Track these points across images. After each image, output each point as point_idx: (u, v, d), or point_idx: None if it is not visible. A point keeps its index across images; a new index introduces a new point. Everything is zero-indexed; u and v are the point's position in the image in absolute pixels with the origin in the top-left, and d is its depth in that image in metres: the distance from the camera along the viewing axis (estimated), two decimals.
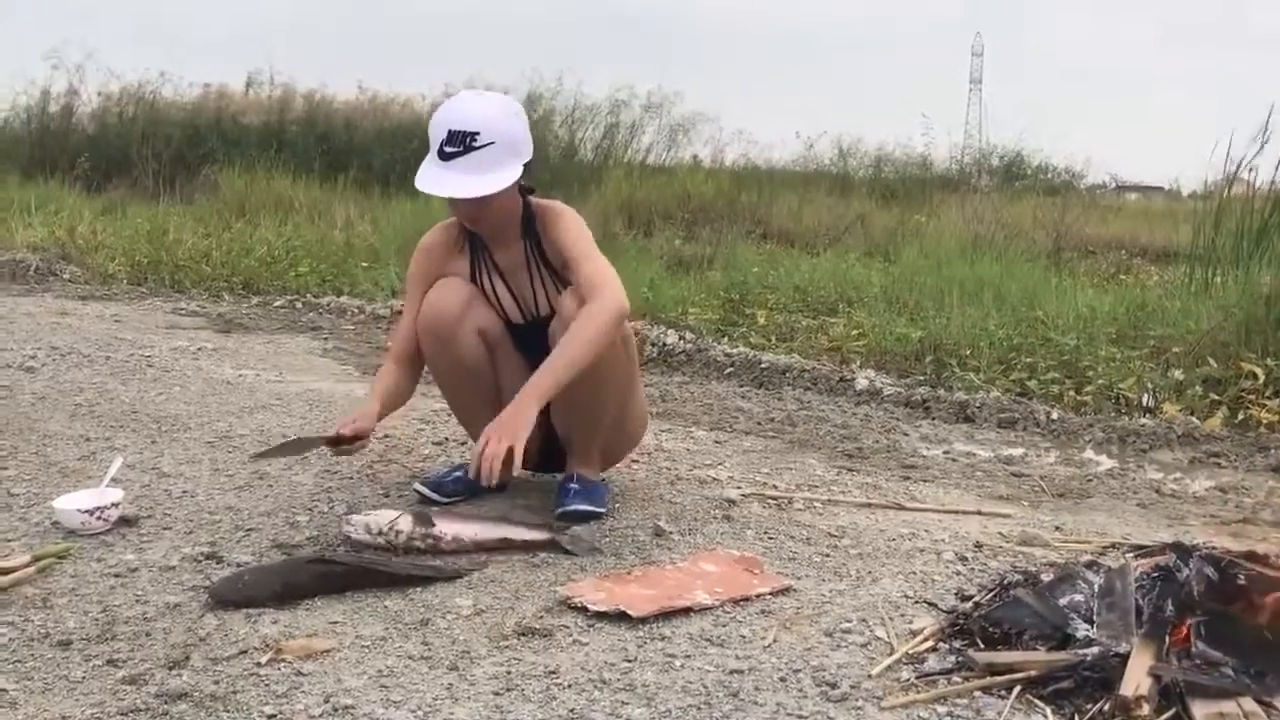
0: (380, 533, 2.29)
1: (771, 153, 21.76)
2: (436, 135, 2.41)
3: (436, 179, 2.40)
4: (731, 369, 4.98)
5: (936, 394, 4.39)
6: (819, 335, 5.61)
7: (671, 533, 2.55)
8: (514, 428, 2.25)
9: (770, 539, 2.56)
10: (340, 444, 2.52)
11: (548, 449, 2.81)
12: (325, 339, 5.80)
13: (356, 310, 6.78)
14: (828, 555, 2.45)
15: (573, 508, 2.60)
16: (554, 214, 2.56)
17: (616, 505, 2.78)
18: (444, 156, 2.39)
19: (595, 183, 12.73)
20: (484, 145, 2.37)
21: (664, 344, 5.32)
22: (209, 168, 12.17)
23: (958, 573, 2.36)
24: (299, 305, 6.94)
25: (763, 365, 4.91)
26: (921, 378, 4.75)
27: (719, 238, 9.30)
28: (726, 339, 5.65)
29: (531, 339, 2.61)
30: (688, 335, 5.43)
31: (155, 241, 8.26)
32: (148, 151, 13.28)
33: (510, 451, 2.21)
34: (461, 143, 2.37)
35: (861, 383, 4.59)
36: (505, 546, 2.35)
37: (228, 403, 3.89)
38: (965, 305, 5.67)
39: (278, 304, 6.93)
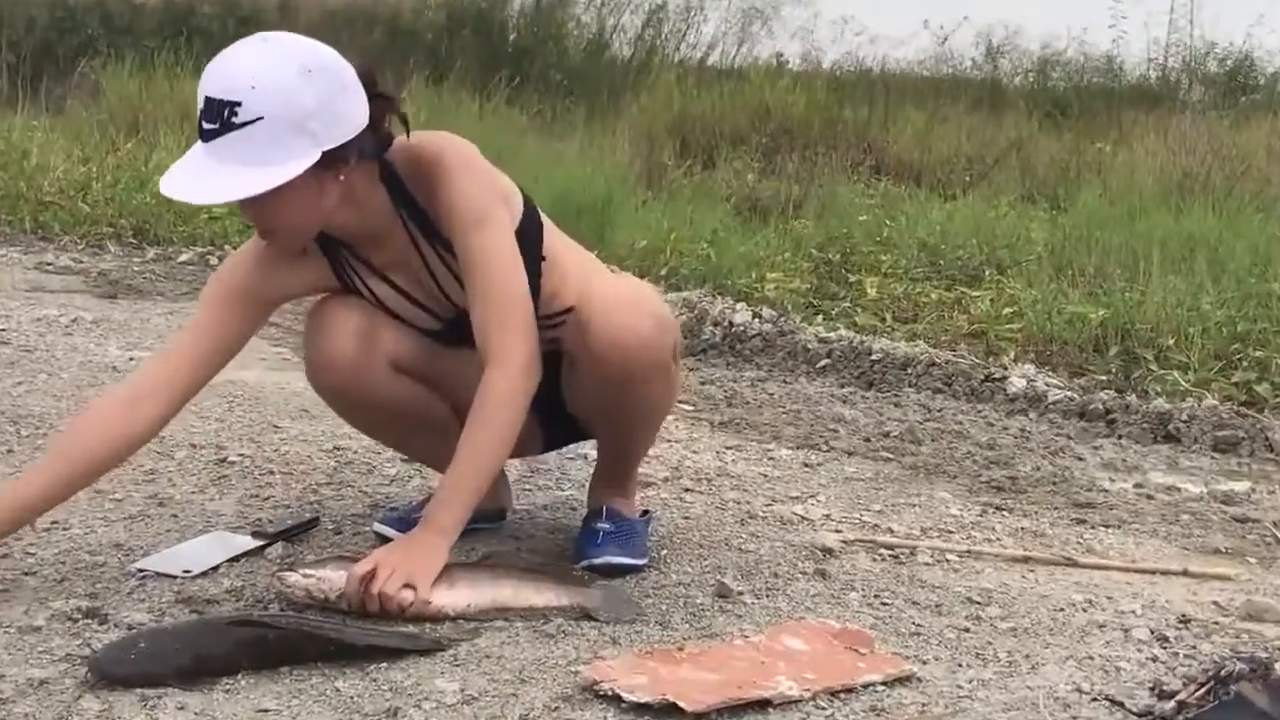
0: (328, 602, 2.32)
1: (889, 51, 21.69)
2: (198, 102, 2.33)
3: (183, 174, 2.34)
4: (828, 361, 4.98)
5: (1125, 401, 4.37)
6: (955, 314, 5.60)
7: (741, 593, 2.55)
8: (414, 567, 2.33)
9: (884, 605, 2.56)
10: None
11: (554, 423, 2.75)
12: None
13: None
14: (966, 630, 2.45)
15: (601, 560, 2.62)
16: (430, 166, 2.46)
17: (663, 551, 2.79)
18: (203, 135, 2.33)
19: (634, 92, 12.74)
20: (248, 122, 2.27)
21: (730, 324, 5.33)
22: (87, 63, 12.28)
23: (1154, 658, 2.34)
24: (213, 261, 7.00)
25: (873, 357, 4.90)
26: (1104, 378, 4.73)
27: (811, 172, 9.30)
28: (821, 318, 5.66)
29: (464, 331, 2.54)
30: (765, 312, 5.44)
31: (10, 168, 8.38)
32: (0, 40, 13.44)
33: (411, 593, 2.31)
34: (218, 116, 2.29)
35: (1017, 383, 4.57)
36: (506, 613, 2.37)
37: None
38: (1168, 274, 5.63)
39: (184, 258, 7.01)
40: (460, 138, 2.54)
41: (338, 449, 3.46)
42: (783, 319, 5.38)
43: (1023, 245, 6.84)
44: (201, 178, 2.32)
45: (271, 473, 3.25)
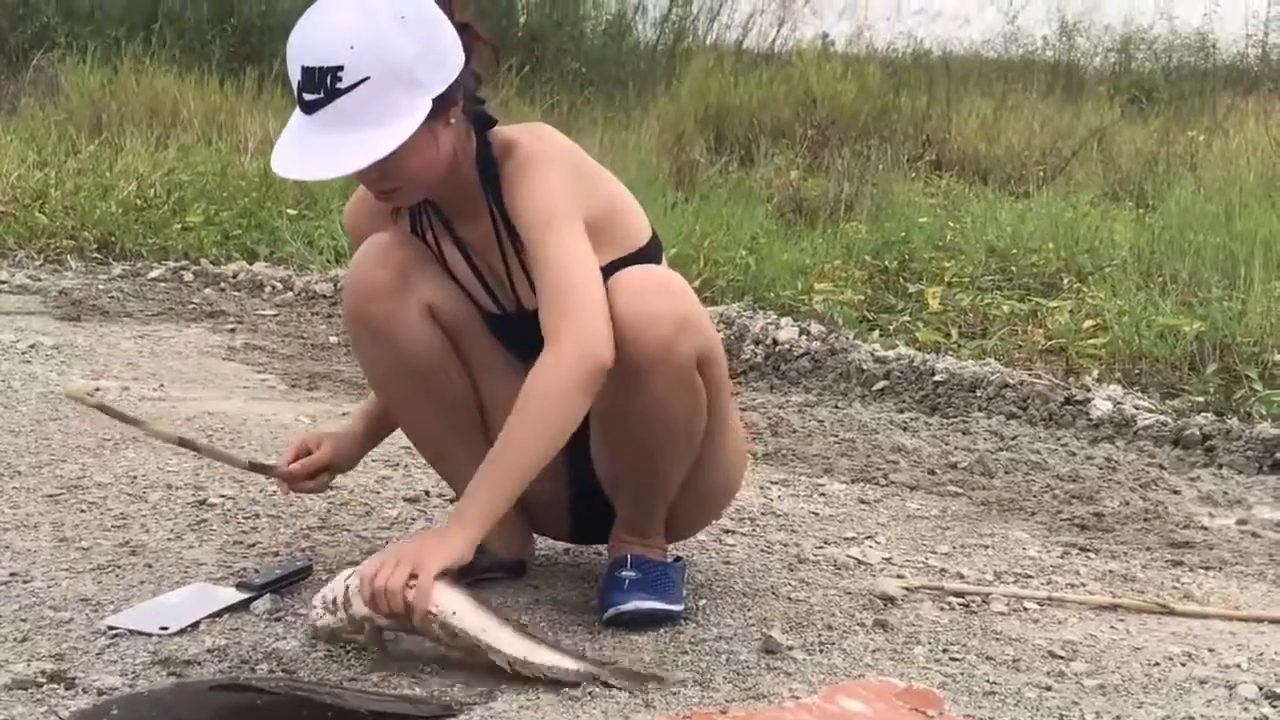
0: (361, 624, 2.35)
1: (951, 30, 21.65)
2: (292, 73, 2.47)
3: (295, 150, 2.46)
4: (885, 383, 4.98)
5: (1225, 426, 4.36)
6: (1030, 328, 5.59)
7: (791, 648, 2.55)
8: (421, 556, 2.35)
9: (954, 661, 2.55)
10: (293, 480, 2.73)
11: (585, 506, 2.84)
12: (231, 331, 5.89)
13: (279, 285, 6.88)
14: (1048, 689, 2.44)
15: (630, 607, 2.62)
16: (518, 163, 2.58)
17: (700, 601, 2.79)
18: (305, 107, 2.45)
19: (663, 80, 12.77)
20: (353, 85, 2.40)
21: (774, 342, 5.34)
22: (43, 56, 12.37)
23: (1263, 718, 2.34)
24: (188, 277, 7.05)
25: (937, 378, 4.90)
26: (1200, 399, 4.71)
27: (863, 168, 9.30)
28: (877, 334, 5.66)
29: (521, 334, 2.65)
30: (813, 328, 5.45)
31: None
32: None
33: (414, 584, 2.32)
34: (321, 85, 2.42)
35: (1101, 406, 4.57)
36: (509, 672, 2.36)
37: (78, 433, 3.96)
38: (1272, 279, 5.62)
39: (154, 274, 7.05)
40: (559, 138, 2.64)
41: (331, 489, 3.46)
42: (833, 335, 5.38)
43: (1106, 249, 6.83)
44: (319, 152, 2.43)
45: (257, 515, 3.26)
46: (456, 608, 2.36)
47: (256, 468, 2.91)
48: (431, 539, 2.42)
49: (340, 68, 2.39)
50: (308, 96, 2.43)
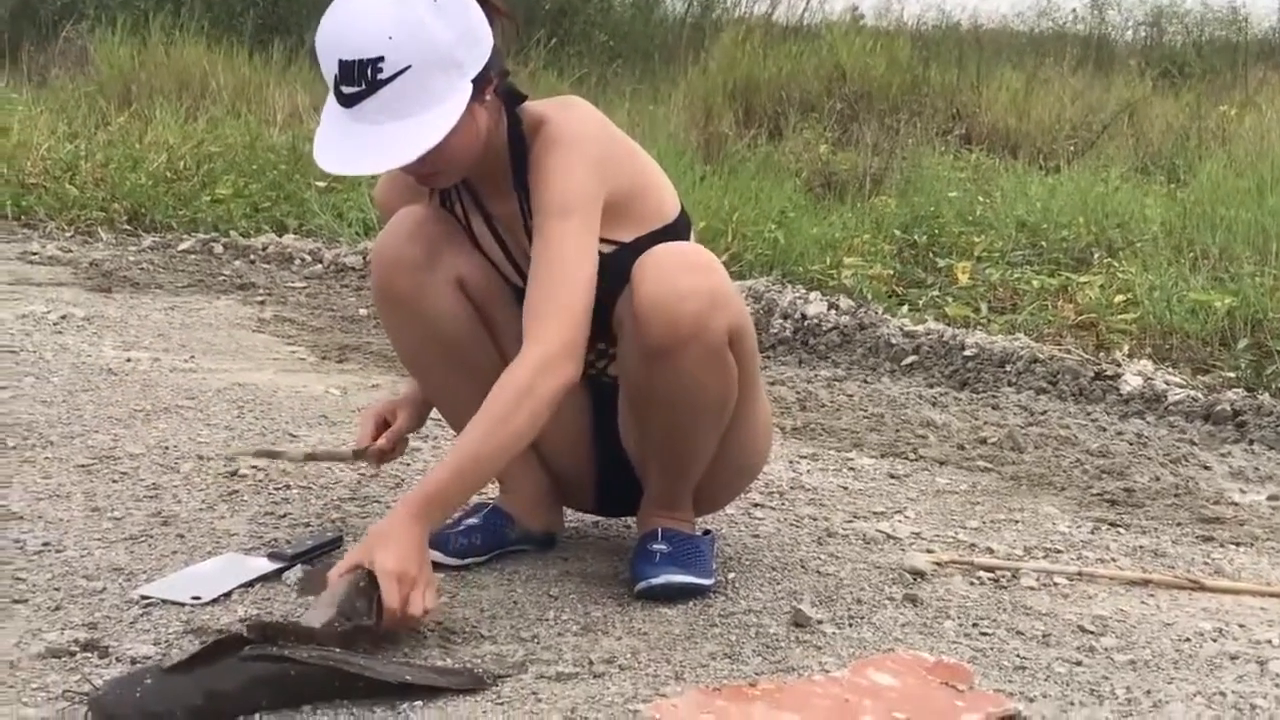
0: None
1: (981, 3, 21.57)
2: (327, 67, 2.45)
3: (340, 147, 2.44)
4: (915, 358, 4.98)
5: (1256, 402, 4.34)
6: (1060, 303, 5.58)
7: (821, 622, 2.56)
8: (402, 559, 2.33)
9: (984, 635, 2.56)
10: (365, 457, 2.84)
11: (613, 479, 2.85)
12: (261, 303, 5.90)
13: (309, 257, 6.89)
14: (1079, 663, 2.44)
15: (661, 580, 2.63)
16: (544, 142, 2.57)
17: (730, 574, 2.80)
18: (344, 100, 2.44)
19: (691, 52, 12.73)
20: (395, 75, 2.39)
21: (803, 317, 5.34)
22: (72, 27, 12.40)
23: None
24: (218, 249, 7.07)
25: (966, 353, 4.90)
26: (1231, 375, 4.69)
27: (893, 142, 9.28)
28: (906, 308, 5.65)
29: None
30: (842, 302, 5.44)
31: None
32: None
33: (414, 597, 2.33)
34: (361, 78, 2.40)
35: (1132, 381, 4.55)
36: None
37: (109, 403, 3.98)
38: None
39: (184, 246, 7.07)
40: (589, 111, 2.62)
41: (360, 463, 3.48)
42: (862, 310, 5.37)
43: (1137, 224, 6.80)
44: (366, 146, 2.42)
45: (288, 487, 3.28)
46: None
47: (359, 455, 2.92)
48: (389, 531, 2.39)
49: (380, 59, 2.37)
50: (346, 90, 2.41)
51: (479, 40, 2.47)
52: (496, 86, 2.55)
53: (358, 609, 2.31)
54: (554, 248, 2.50)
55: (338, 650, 2.22)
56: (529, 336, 2.47)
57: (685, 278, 2.49)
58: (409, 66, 2.38)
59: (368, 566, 2.34)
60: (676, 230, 2.66)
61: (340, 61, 2.40)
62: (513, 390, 2.43)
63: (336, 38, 2.42)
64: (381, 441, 2.88)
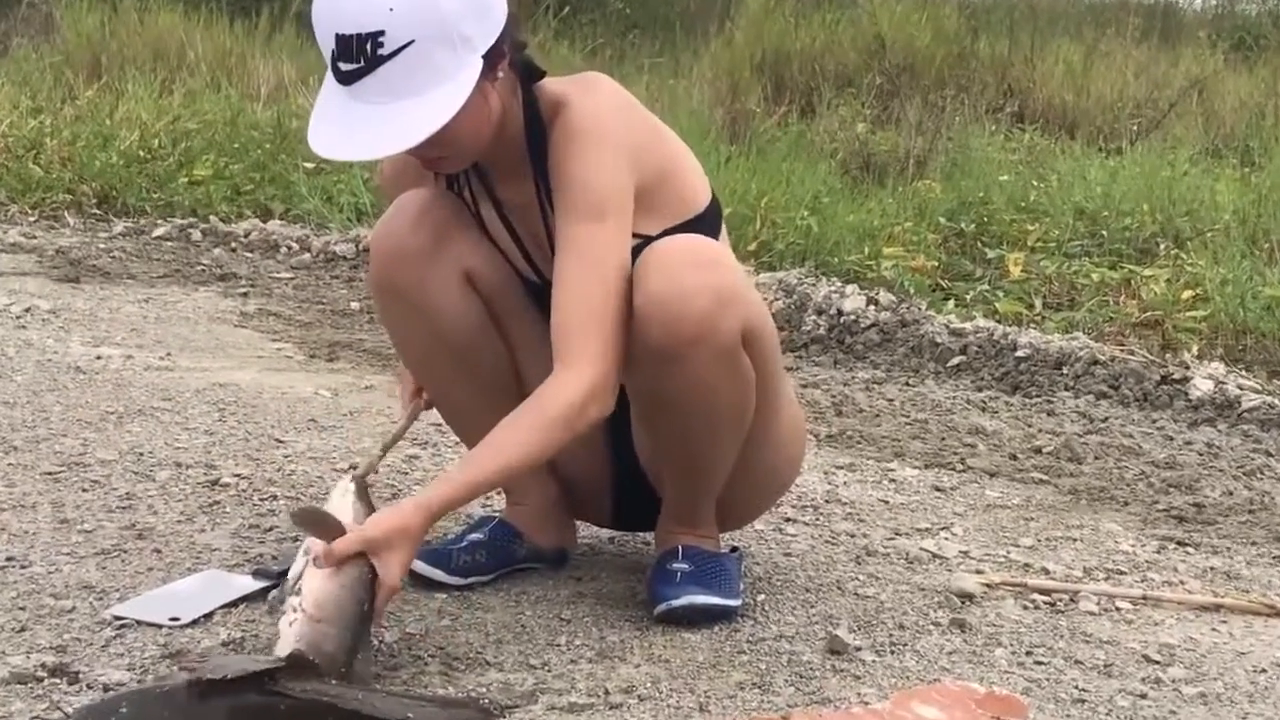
0: None
1: None
2: (324, 42, 2.43)
3: (337, 129, 2.43)
4: (962, 359, 4.97)
5: None
6: (1122, 299, 5.57)
7: (859, 648, 2.56)
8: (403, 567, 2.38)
9: (1039, 664, 2.55)
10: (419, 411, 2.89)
11: (629, 490, 2.85)
12: (244, 295, 5.91)
13: (295, 245, 6.90)
14: (1143, 696, 2.44)
15: (683, 602, 2.63)
16: (567, 128, 2.56)
17: (759, 595, 2.80)
18: (342, 78, 2.43)
19: (716, 22, 12.72)
20: (397, 50, 2.37)
21: (838, 313, 5.34)
22: None
23: None
24: (196, 236, 7.07)
25: (1019, 353, 4.89)
26: None
27: (938, 120, 9.26)
28: (952, 304, 5.64)
29: None
30: (882, 297, 5.44)
31: None
32: None
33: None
34: (360, 54, 2.39)
35: (1201, 386, 4.55)
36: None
37: (78, 404, 3.98)
38: None
39: (159, 233, 7.08)
40: (612, 93, 2.61)
41: (355, 467, 3.47)
42: (904, 306, 5.37)
43: (1207, 212, 6.79)
44: (365, 128, 2.41)
45: (274, 497, 3.29)
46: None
47: (414, 416, 2.95)
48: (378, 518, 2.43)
49: (380, 33, 2.36)
50: (345, 66, 2.40)
51: (490, 10, 2.45)
52: (511, 60, 2.54)
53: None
54: (588, 255, 2.50)
55: (334, 683, 2.21)
56: (569, 357, 2.46)
57: (690, 274, 2.48)
58: (412, 41, 2.37)
59: (377, 568, 2.35)
60: (706, 221, 2.65)
61: (338, 36, 2.39)
62: (557, 415, 2.44)
63: (333, 10, 2.41)
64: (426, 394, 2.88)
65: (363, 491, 2.55)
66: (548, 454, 2.52)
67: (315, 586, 2.31)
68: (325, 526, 2.38)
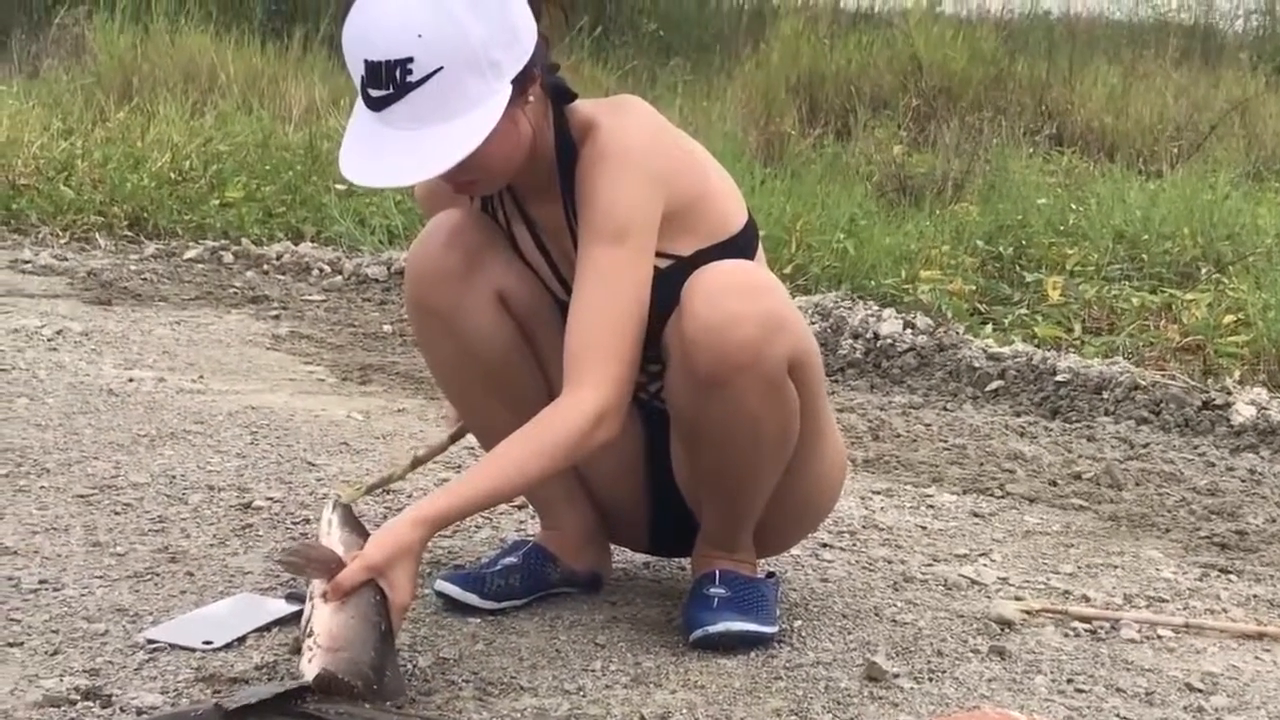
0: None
1: None
2: (353, 68, 2.47)
3: (367, 155, 2.47)
4: (1000, 383, 4.97)
5: None
6: (1163, 324, 5.55)
7: (898, 676, 2.56)
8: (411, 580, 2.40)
9: (1079, 692, 2.55)
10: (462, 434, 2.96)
11: (666, 515, 2.86)
12: (275, 318, 5.93)
13: (327, 267, 6.92)
14: None
15: (720, 628, 2.63)
16: (596, 151, 2.58)
17: (796, 622, 2.80)
18: (372, 104, 2.46)
19: (750, 43, 12.75)
20: (426, 77, 2.40)
21: (875, 336, 5.34)
22: (67, 13, 12.47)
23: None
24: (228, 258, 7.10)
25: (1058, 378, 4.89)
26: None
27: (975, 142, 9.26)
28: (990, 328, 5.64)
29: None
30: (920, 321, 5.44)
31: None
32: None
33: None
34: (390, 80, 2.42)
35: (1244, 412, 4.53)
36: None
37: (110, 427, 4.01)
38: None
39: (191, 255, 7.11)
40: (646, 116, 2.64)
41: (387, 492, 3.49)
42: (941, 329, 5.37)
43: (1249, 235, 6.77)
44: (395, 155, 2.44)
45: (306, 520, 3.29)
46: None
47: (456, 437, 3.02)
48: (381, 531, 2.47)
49: (409, 59, 2.39)
50: (374, 93, 2.43)
51: (519, 36, 2.47)
52: (542, 83, 2.56)
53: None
54: (606, 278, 2.52)
55: (367, 707, 2.22)
56: (579, 377, 2.49)
57: (737, 301, 2.49)
58: (441, 68, 2.39)
59: (385, 590, 2.37)
60: (741, 244, 2.66)
61: (367, 62, 2.42)
62: (562, 437, 2.47)
63: (363, 36, 2.44)
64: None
65: (348, 516, 2.57)
66: (550, 475, 2.55)
67: (326, 620, 2.33)
68: (322, 563, 2.40)
